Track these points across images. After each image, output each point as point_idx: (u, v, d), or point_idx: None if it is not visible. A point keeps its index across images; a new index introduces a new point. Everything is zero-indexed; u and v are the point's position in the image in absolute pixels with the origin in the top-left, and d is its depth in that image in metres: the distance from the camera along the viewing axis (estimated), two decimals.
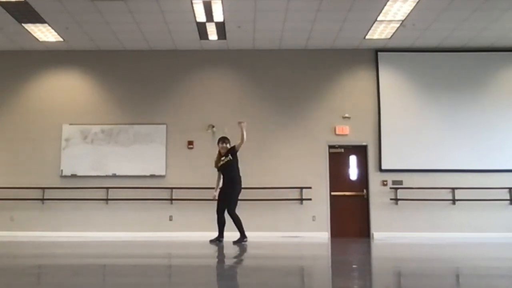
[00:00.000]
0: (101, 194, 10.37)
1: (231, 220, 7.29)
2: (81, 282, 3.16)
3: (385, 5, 8.69)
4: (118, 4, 8.60)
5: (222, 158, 7.48)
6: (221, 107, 10.67)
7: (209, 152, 10.37)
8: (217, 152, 7.64)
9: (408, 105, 10.60)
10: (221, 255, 5.35)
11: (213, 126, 10.53)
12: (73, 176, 10.42)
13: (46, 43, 10.38)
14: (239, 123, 7.37)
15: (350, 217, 10.43)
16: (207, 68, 10.84)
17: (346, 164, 10.67)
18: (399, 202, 10.32)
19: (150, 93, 10.73)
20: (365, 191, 10.50)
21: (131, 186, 10.31)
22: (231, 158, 7.43)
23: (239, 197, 7.47)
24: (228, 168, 7.43)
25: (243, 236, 7.28)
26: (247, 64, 10.80)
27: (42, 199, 10.35)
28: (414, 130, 10.45)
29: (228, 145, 7.53)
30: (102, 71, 10.84)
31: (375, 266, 4.41)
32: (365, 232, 10.33)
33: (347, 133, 10.58)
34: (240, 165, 7.53)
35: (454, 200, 10.29)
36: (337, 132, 10.58)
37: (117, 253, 5.60)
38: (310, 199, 10.25)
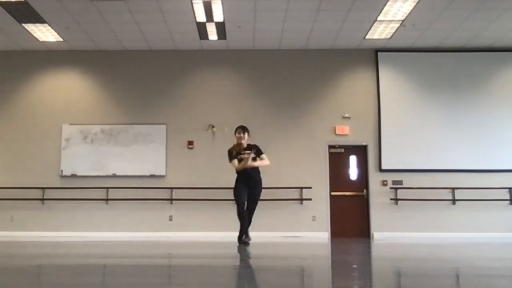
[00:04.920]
0: (101, 194, 10.37)
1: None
2: (81, 282, 3.16)
3: (385, 5, 8.69)
4: (118, 4, 8.60)
5: (247, 152, 6.80)
6: (221, 107, 10.67)
7: (209, 152, 10.42)
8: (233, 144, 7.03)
9: (408, 105, 10.60)
10: (221, 255, 5.35)
11: (213, 126, 10.54)
12: (73, 176, 10.42)
13: (46, 43, 10.38)
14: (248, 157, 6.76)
15: (350, 217, 10.42)
16: (207, 68, 10.84)
17: (346, 164, 10.67)
18: (399, 202, 10.32)
19: (150, 93, 10.73)
20: (365, 191, 10.50)
21: (131, 186, 10.31)
22: (255, 155, 6.86)
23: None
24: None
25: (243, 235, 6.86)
26: (247, 64, 10.80)
27: (42, 199, 10.35)
28: (414, 130, 10.45)
29: (247, 136, 6.93)
30: (102, 71, 10.84)
31: (375, 266, 4.41)
32: (365, 232, 10.33)
33: (347, 133, 10.58)
34: None
35: (454, 200, 10.29)
36: (337, 132, 10.58)
37: (117, 253, 5.60)
38: (310, 199, 10.26)
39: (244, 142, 6.93)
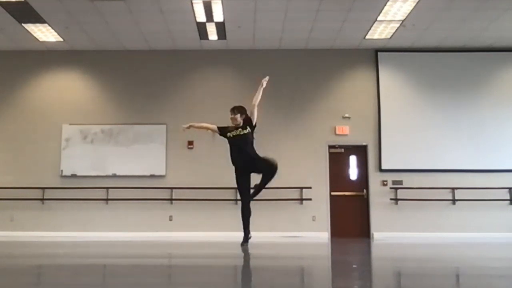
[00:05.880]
0: (101, 194, 10.36)
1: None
2: (81, 282, 3.16)
3: (385, 5, 8.69)
4: (118, 4, 8.60)
5: (239, 130, 6.42)
6: (221, 107, 10.62)
7: (209, 152, 10.41)
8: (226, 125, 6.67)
9: (408, 105, 10.60)
10: (221, 255, 5.34)
11: None
12: (73, 176, 10.42)
13: (46, 43, 10.38)
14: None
15: (350, 217, 10.42)
16: (207, 68, 10.84)
17: (346, 164, 10.66)
18: (399, 202, 10.31)
19: (150, 93, 10.73)
20: (365, 191, 10.50)
21: (131, 186, 10.31)
22: (250, 131, 6.42)
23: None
24: (246, 142, 6.38)
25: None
26: (247, 64, 10.79)
27: (42, 199, 10.35)
28: (414, 130, 10.45)
29: (239, 116, 6.47)
30: (102, 71, 10.84)
31: (375, 266, 4.41)
32: (365, 232, 10.33)
33: (347, 133, 10.58)
34: None
35: (454, 200, 10.29)
36: (337, 132, 10.58)
37: (117, 253, 5.60)
38: (310, 199, 10.25)
39: (239, 122, 6.49)
